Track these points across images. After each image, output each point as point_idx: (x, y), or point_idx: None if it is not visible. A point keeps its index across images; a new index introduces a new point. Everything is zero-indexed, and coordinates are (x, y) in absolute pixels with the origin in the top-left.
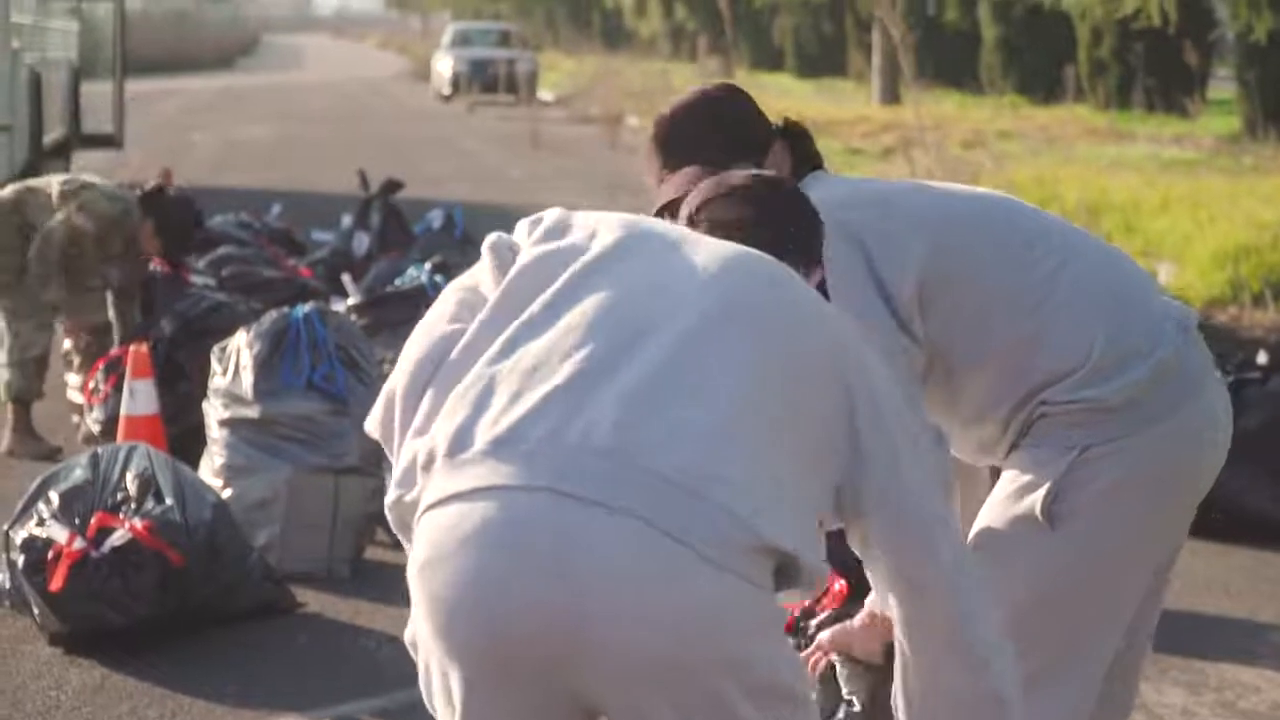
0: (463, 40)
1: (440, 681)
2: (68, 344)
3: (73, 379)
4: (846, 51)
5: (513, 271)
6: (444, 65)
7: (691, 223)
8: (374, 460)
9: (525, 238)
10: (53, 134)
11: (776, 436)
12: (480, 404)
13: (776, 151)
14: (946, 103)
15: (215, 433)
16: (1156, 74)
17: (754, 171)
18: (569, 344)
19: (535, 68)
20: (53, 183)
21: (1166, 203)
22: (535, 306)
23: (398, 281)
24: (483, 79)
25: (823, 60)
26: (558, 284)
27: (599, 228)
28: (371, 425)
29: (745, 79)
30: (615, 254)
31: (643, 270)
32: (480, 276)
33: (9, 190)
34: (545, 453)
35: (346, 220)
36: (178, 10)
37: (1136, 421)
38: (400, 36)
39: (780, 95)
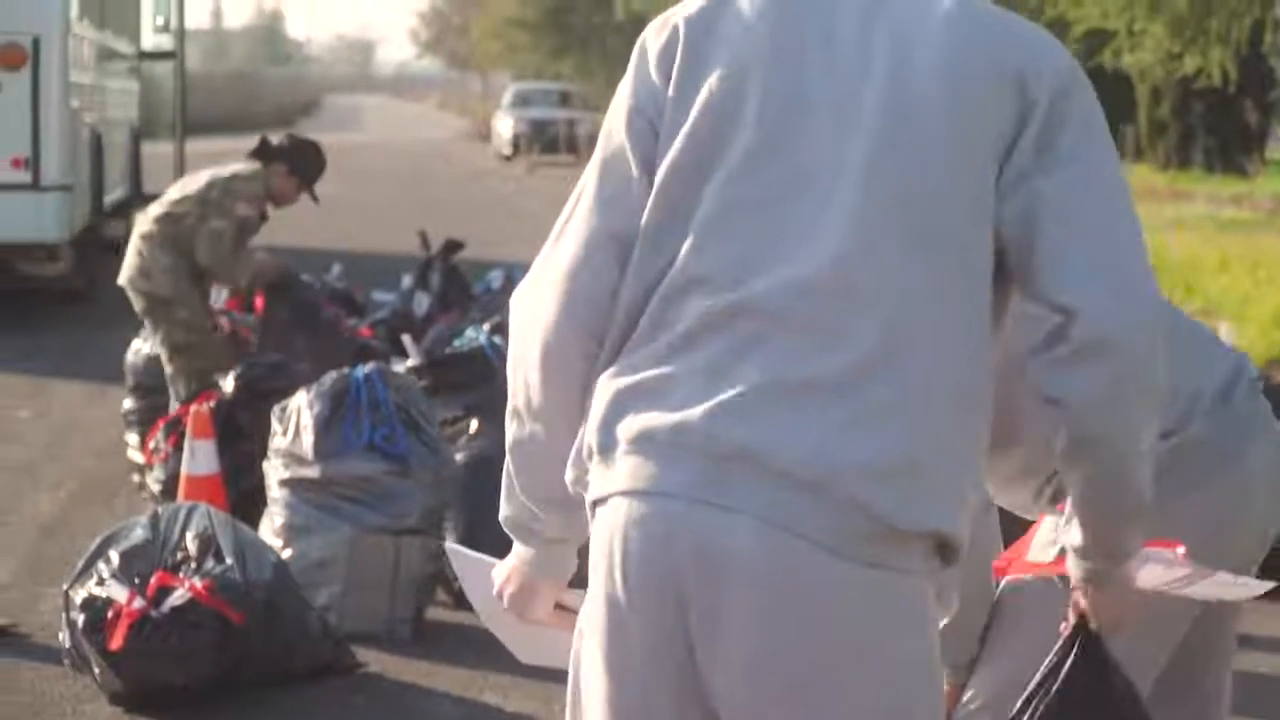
0: (523, 101)
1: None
2: (128, 404)
3: (132, 439)
4: None
5: (651, 204)
6: (504, 126)
7: None
8: (435, 521)
9: (658, 77)
10: (113, 194)
11: (947, 367)
12: (621, 397)
13: None
14: None
15: (275, 493)
16: (1216, 134)
17: None
18: (702, 328)
19: (595, 128)
20: (189, 201)
21: (1225, 262)
22: (665, 287)
23: (457, 343)
24: (543, 139)
25: None
26: (692, 236)
27: (724, 99)
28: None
29: None
30: (745, 170)
31: (771, 199)
32: (627, 167)
33: (152, 227)
34: (679, 456)
35: (407, 281)
36: (238, 70)
37: (1166, 492)
38: (460, 97)
39: None
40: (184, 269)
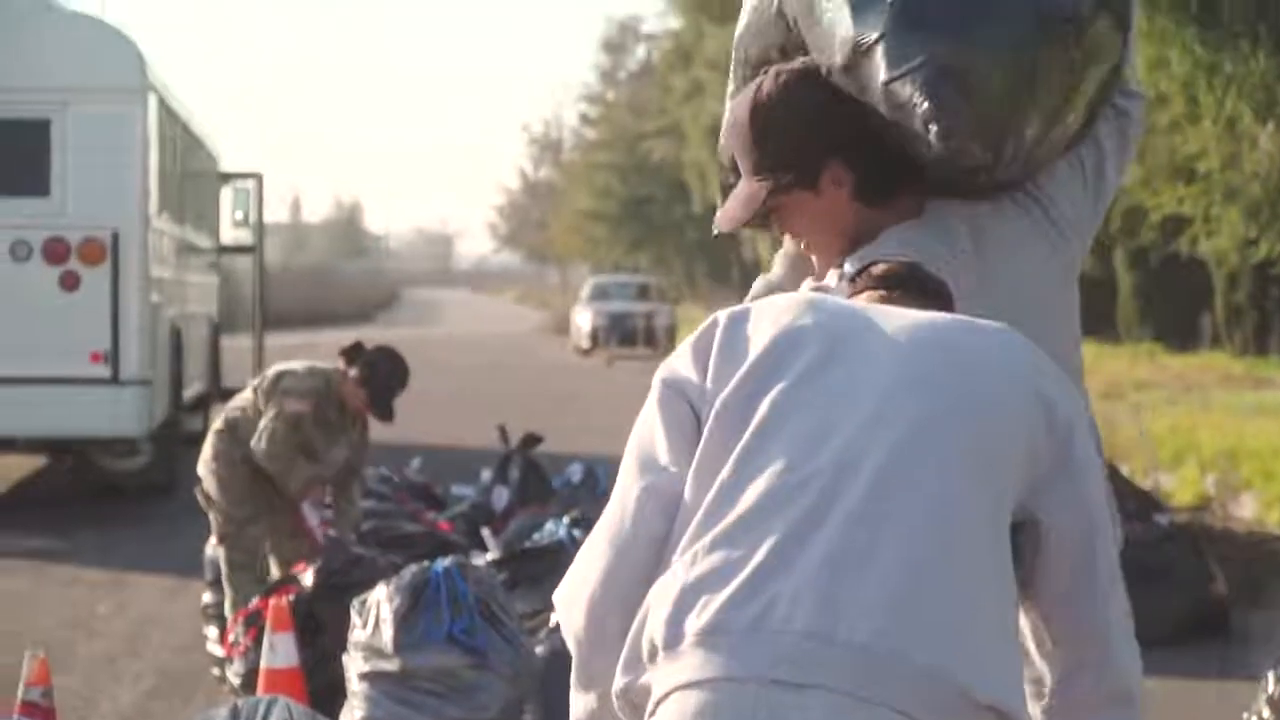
0: (601, 294)
1: None
2: (207, 597)
3: (212, 632)
4: None
5: (703, 440)
6: (583, 319)
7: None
8: (514, 714)
9: (691, 366)
10: (192, 388)
11: (985, 552)
12: (688, 591)
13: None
14: (1084, 351)
15: (355, 686)
16: None
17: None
18: (765, 509)
19: (674, 321)
20: (248, 389)
21: None
22: (725, 475)
23: (537, 536)
24: (621, 332)
25: None
26: (745, 438)
27: (772, 337)
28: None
29: None
30: (798, 382)
31: (827, 395)
32: (658, 441)
33: (221, 422)
34: (751, 641)
35: (486, 474)
36: (317, 264)
37: None
38: (539, 290)
39: None
40: (235, 459)
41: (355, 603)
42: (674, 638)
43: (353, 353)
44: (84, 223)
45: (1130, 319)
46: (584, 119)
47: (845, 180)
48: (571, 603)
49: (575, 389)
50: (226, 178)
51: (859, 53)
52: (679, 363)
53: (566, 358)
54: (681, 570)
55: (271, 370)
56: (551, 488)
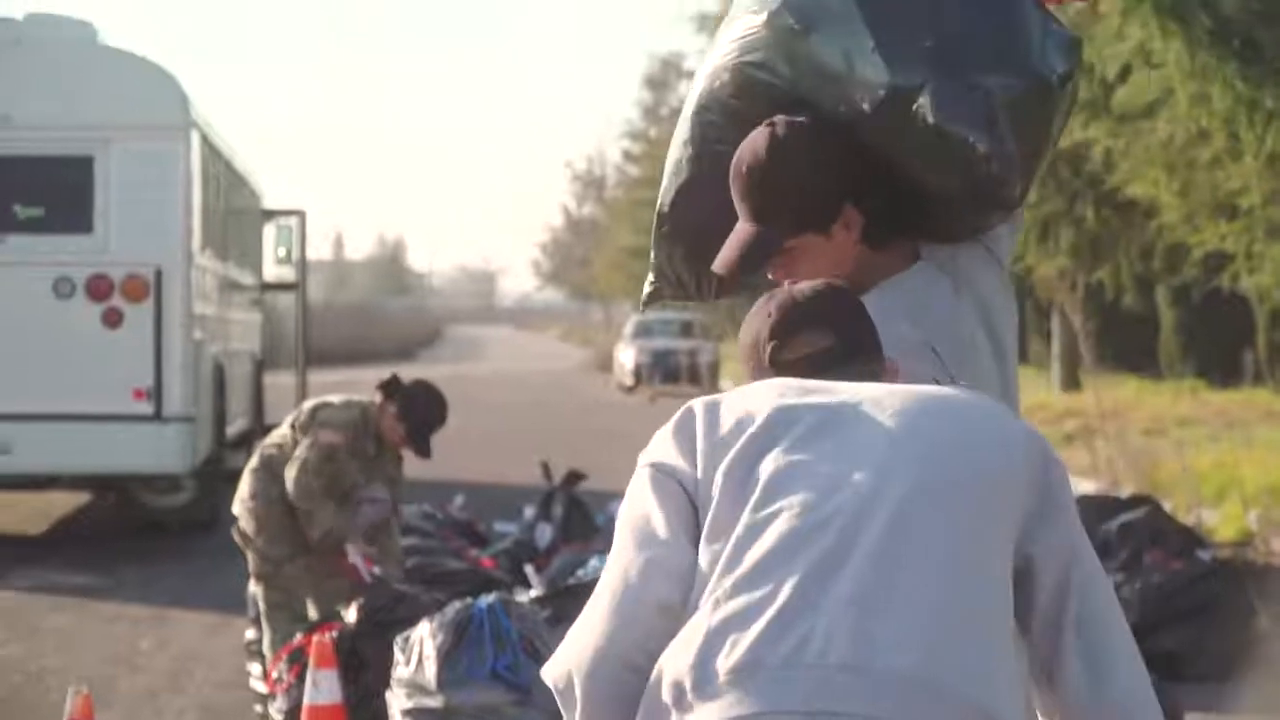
0: (644, 331)
1: None
2: (250, 634)
3: (255, 669)
4: (1027, 339)
5: (712, 509)
6: (626, 356)
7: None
8: None
9: (677, 454)
10: (236, 425)
11: (995, 598)
12: (714, 633)
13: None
14: (1125, 388)
15: None
16: None
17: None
18: (785, 551)
19: (717, 358)
20: (285, 425)
21: None
22: (739, 528)
23: (580, 573)
24: (665, 369)
25: None
26: (755, 493)
27: (765, 413)
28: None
29: None
30: (801, 442)
31: (833, 453)
32: (654, 518)
33: (256, 460)
34: (788, 676)
35: (529, 511)
36: (360, 301)
37: None
38: (582, 327)
39: None
40: (272, 496)
41: (398, 639)
42: (704, 679)
43: (390, 386)
44: (127, 260)
45: (1172, 355)
46: (627, 155)
47: (855, 223)
48: (569, 666)
49: (618, 426)
50: (269, 215)
51: (898, 98)
52: (662, 450)
53: (610, 395)
54: (704, 617)
55: (307, 404)
56: (595, 524)
